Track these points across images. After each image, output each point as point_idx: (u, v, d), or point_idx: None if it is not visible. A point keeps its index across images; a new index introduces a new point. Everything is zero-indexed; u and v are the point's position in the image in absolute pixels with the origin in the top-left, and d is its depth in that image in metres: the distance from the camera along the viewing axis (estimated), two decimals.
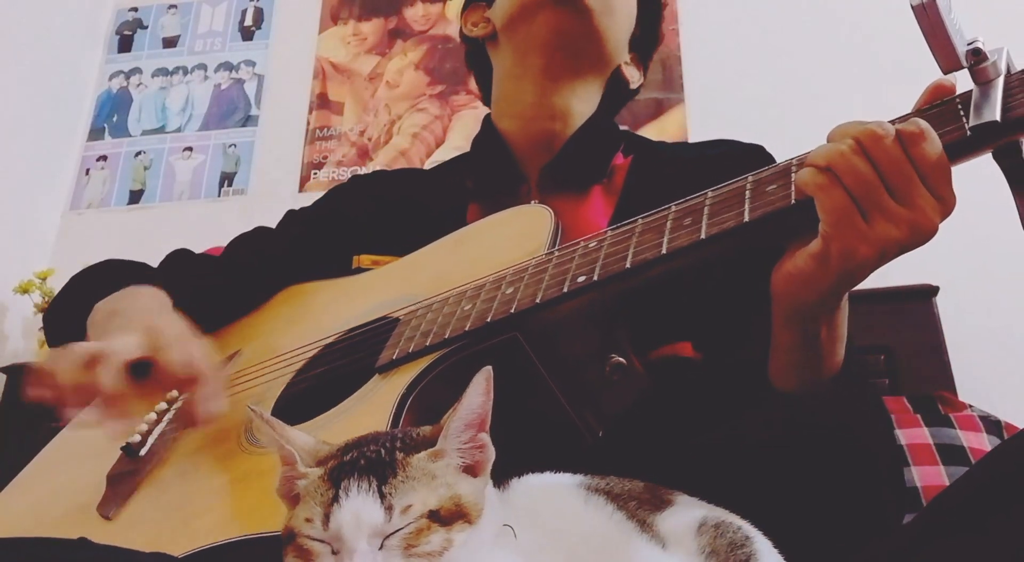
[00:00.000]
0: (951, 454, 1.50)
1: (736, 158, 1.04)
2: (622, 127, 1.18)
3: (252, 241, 1.18)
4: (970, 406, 1.62)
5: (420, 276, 0.93)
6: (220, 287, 1.11)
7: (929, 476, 1.47)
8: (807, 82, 2.32)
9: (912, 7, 0.65)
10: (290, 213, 1.22)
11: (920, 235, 0.66)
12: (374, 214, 1.11)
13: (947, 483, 1.46)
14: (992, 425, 1.58)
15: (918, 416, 1.58)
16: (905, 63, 2.24)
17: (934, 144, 0.65)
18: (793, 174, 0.70)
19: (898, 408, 1.61)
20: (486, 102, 1.22)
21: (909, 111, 0.72)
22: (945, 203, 0.67)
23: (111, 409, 0.76)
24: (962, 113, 0.67)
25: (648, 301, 0.78)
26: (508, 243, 0.89)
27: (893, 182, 0.65)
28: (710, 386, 0.86)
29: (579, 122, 1.10)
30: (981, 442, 1.53)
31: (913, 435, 1.53)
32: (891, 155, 0.65)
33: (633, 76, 1.18)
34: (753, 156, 1.06)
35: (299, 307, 1.05)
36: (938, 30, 0.65)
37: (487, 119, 1.16)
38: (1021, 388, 1.88)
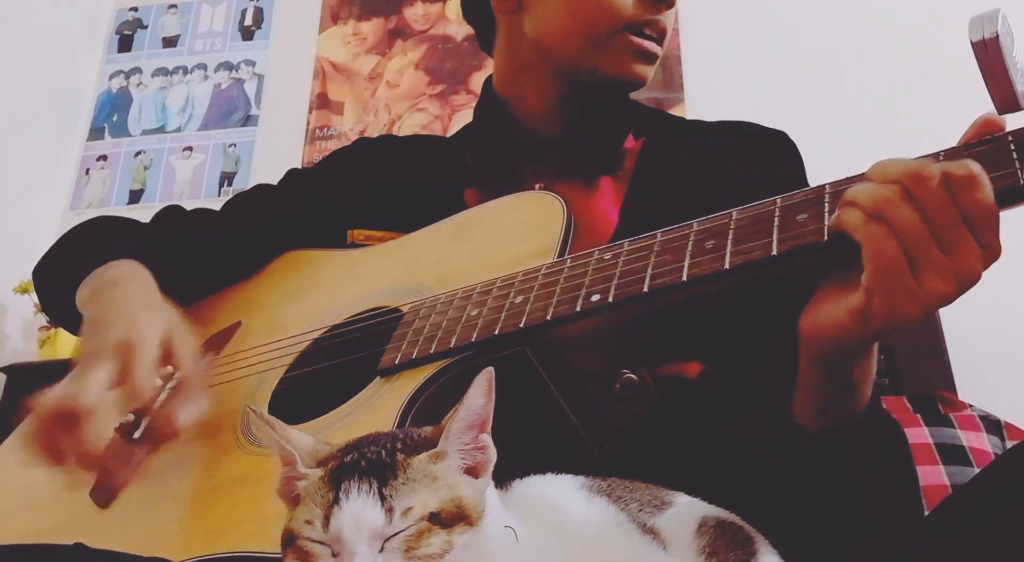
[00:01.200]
0: (951, 454, 1.50)
1: (756, 149, 1.00)
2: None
3: (253, 199, 1.14)
4: (970, 406, 1.62)
5: (423, 263, 0.90)
6: (217, 247, 1.07)
7: (929, 476, 1.47)
8: (808, 81, 2.32)
9: (972, 43, 0.61)
10: (292, 172, 1.17)
11: (965, 287, 0.60)
12: (372, 185, 1.06)
13: (947, 483, 1.46)
14: (992, 425, 1.58)
15: (918, 416, 1.58)
16: (907, 62, 2.24)
17: (985, 190, 0.59)
18: (826, 203, 0.66)
19: (898, 408, 1.61)
20: (486, 50, 1.12)
21: (956, 144, 0.66)
22: (991, 251, 0.61)
23: (84, 461, 0.74)
24: (1015, 156, 0.61)
25: (657, 317, 0.76)
26: (517, 236, 0.85)
27: (940, 230, 0.60)
28: (717, 406, 0.83)
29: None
30: (981, 442, 1.53)
31: (913, 435, 1.53)
32: (937, 200, 0.59)
33: None
34: (774, 146, 1.01)
35: (300, 280, 1.02)
36: (997, 68, 0.61)
37: (488, 86, 1.08)
38: (1021, 388, 1.88)
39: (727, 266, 0.67)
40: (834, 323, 0.65)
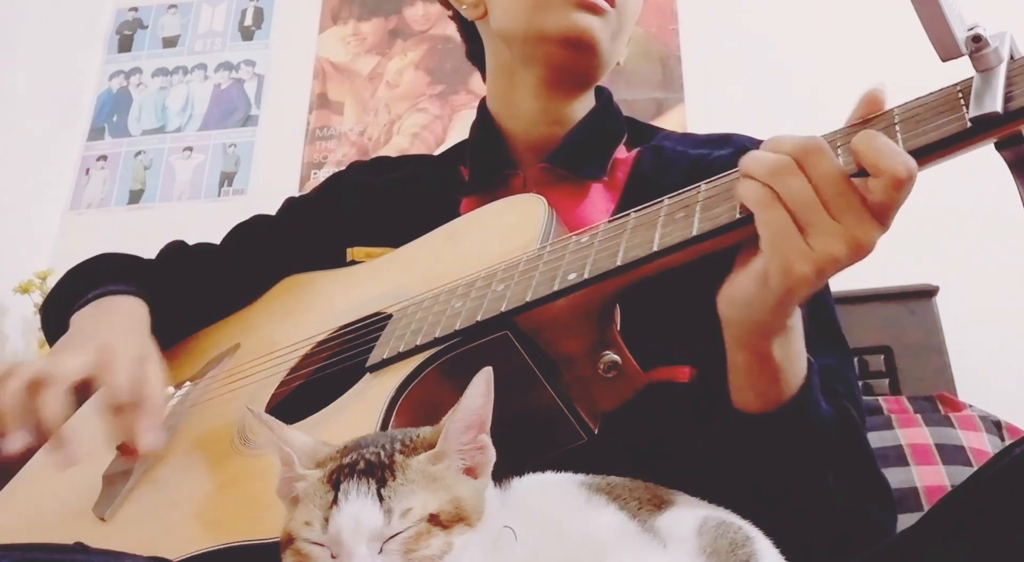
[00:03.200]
0: (951, 454, 1.50)
1: None
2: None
3: (251, 230, 1.17)
4: (970, 406, 1.62)
5: (413, 270, 0.93)
6: (219, 279, 1.11)
7: (929, 476, 1.47)
8: (807, 82, 2.32)
9: None
10: (289, 200, 1.21)
11: (859, 251, 0.64)
12: (368, 205, 1.09)
13: (947, 483, 1.46)
14: (992, 425, 1.58)
15: (918, 416, 1.57)
16: (906, 62, 2.24)
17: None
18: None
19: (898, 408, 1.61)
20: (480, 69, 1.17)
21: (844, 125, 0.70)
22: (887, 223, 0.65)
23: (52, 439, 0.76)
24: (963, 102, 0.64)
25: (643, 320, 0.77)
26: (501, 235, 0.87)
27: (828, 198, 0.64)
28: (709, 407, 0.85)
29: (579, 119, 1.07)
30: (981, 442, 1.53)
31: (913, 435, 1.52)
32: (826, 170, 0.64)
33: (623, 55, 1.13)
34: None
35: (296, 299, 1.04)
36: (936, 16, 0.62)
37: (483, 105, 1.13)
38: (1021, 388, 1.88)
39: (695, 233, 0.69)
40: (741, 292, 0.69)
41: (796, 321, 0.73)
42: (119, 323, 0.93)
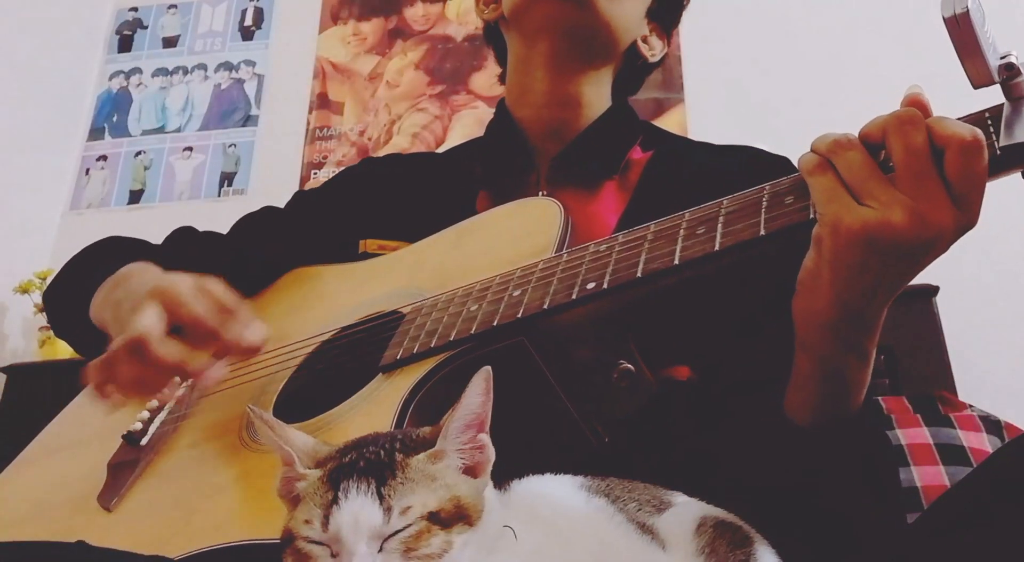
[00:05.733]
0: (951, 454, 1.50)
1: (760, 172, 1.03)
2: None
3: (259, 221, 1.16)
4: (970, 406, 1.62)
5: (425, 268, 0.92)
6: (225, 267, 1.10)
7: (929, 476, 1.47)
8: (807, 82, 2.33)
9: (944, 19, 0.62)
10: (299, 194, 1.20)
11: (923, 226, 0.61)
12: (382, 198, 1.09)
13: (947, 483, 1.46)
14: (992, 425, 1.58)
15: (918, 416, 1.58)
16: (905, 64, 2.24)
17: (976, 157, 0.61)
18: None
19: (898, 408, 1.61)
20: (504, 82, 1.19)
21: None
22: (969, 213, 0.62)
23: (189, 372, 0.78)
24: (992, 129, 0.64)
25: (648, 322, 0.77)
26: (515, 237, 0.87)
27: (906, 173, 0.62)
28: (707, 406, 0.84)
29: (592, 109, 1.07)
30: (981, 442, 1.53)
31: (913, 435, 1.52)
32: (916, 141, 0.62)
33: (654, 48, 1.15)
34: (778, 170, 1.04)
35: (304, 293, 1.04)
36: (970, 43, 0.62)
37: (501, 104, 1.14)
38: (1021, 388, 1.88)
39: (717, 248, 0.69)
40: (803, 272, 0.68)
41: (870, 351, 0.72)
42: (152, 275, 0.92)
